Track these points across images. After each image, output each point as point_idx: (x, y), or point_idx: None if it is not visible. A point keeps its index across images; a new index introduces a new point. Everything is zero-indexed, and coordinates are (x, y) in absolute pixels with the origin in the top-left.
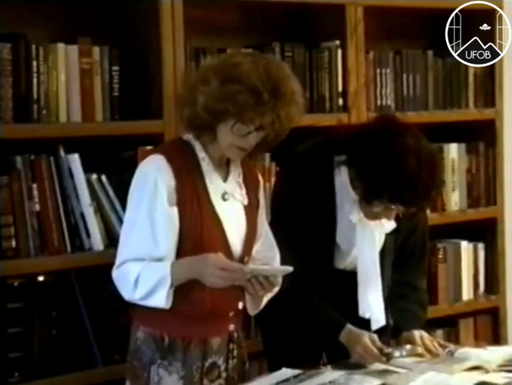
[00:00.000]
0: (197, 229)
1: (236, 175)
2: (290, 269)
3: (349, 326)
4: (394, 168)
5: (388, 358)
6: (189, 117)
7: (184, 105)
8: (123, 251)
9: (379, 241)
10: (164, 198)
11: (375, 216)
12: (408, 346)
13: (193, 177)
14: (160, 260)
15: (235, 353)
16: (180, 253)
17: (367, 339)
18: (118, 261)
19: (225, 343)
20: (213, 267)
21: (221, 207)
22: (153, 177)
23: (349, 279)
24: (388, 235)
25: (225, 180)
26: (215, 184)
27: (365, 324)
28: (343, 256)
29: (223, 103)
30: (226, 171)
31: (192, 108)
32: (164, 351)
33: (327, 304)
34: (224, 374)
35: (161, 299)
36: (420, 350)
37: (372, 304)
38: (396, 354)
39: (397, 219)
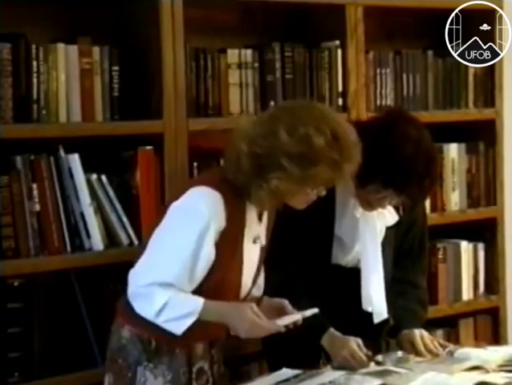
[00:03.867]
0: (222, 271)
1: (265, 214)
2: (316, 310)
3: (332, 331)
4: (391, 152)
5: (380, 365)
6: (258, 195)
7: (249, 185)
8: (153, 272)
9: (380, 233)
10: (212, 241)
11: (369, 205)
12: (400, 353)
13: (239, 223)
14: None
15: (216, 358)
16: (199, 287)
17: (354, 344)
18: (144, 280)
19: (208, 349)
20: (251, 325)
21: (247, 251)
22: (208, 218)
23: (349, 276)
24: (388, 229)
25: (259, 222)
26: (252, 229)
27: (365, 320)
28: (346, 251)
29: (304, 183)
30: (261, 212)
31: (262, 190)
32: (150, 354)
33: (317, 306)
34: (211, 379)
35: (180, 329)
36: (411, 357)
37: (374, 297)
38: (388, 362)
39: (397, 212)
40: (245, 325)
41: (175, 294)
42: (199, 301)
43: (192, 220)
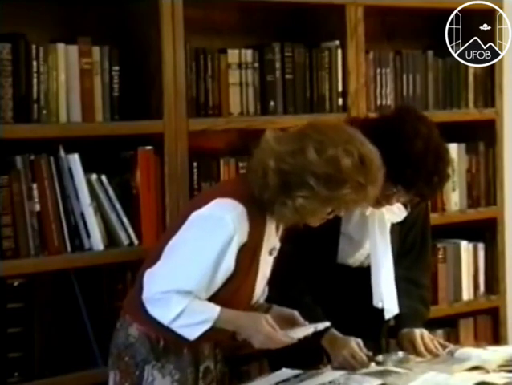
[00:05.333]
0: (237, 282)
1: (282, 226)
2: (328, 324)
3: (333, 331)
4: (400, 148)
5: (381, 365)
6: (281, 212)
7: (274, 202)
8: (172, 280)
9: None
10: (234, 254)
11: (377, 202)
12: (401, 353)
13: (259, 237)
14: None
15: (219, 357)
16: (213, 295)
17: (355, 345)
18: (162, 287)
19: (213, 348)
20: (267, 337)
21: (263, 262)
22: (233, 231)
23: (354, 275)
24: (393, 225)
25: (276, 233)
26: (270, 241)
27: (367, 319)
28: (355, 248)
29: (328, 204)
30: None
31: (286, 207)
32: (158, 353)
33: (318, 306)
34: (215, 378)
35: (194, 335)
36: (412, 358)
37: (385, 293)
38: (388, 363)
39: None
40: (260, 337)
41: (191, 302)
42: (215, 310)
43: (217, 232)
